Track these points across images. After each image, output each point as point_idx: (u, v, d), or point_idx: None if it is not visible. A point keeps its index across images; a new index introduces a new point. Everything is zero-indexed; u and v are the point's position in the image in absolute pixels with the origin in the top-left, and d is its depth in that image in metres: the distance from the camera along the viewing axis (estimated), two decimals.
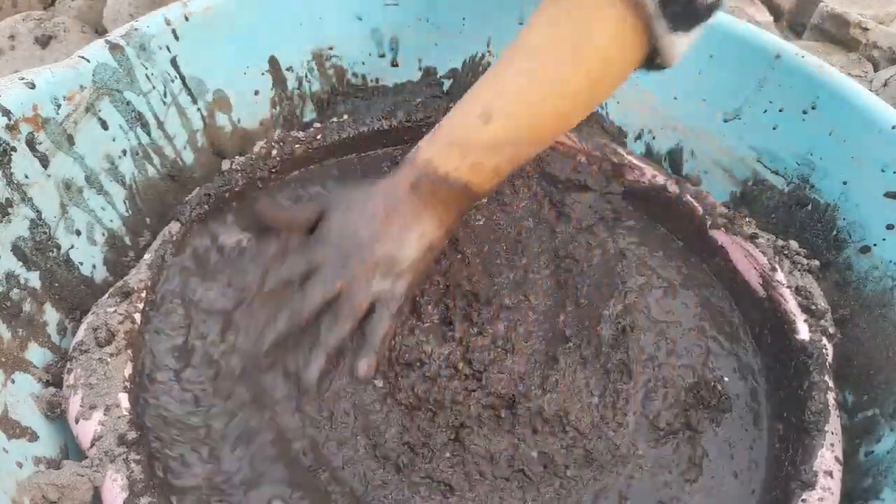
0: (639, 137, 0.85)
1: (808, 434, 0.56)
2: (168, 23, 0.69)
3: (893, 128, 0.63)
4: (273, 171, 0.75)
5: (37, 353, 0.58)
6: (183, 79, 0.72)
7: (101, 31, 1.12)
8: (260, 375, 0.60)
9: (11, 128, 0.56)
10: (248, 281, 0.64)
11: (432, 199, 0.60)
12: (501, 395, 0.60)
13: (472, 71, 0.88)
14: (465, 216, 0.71)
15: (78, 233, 0.63)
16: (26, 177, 0.57)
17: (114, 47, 0.65)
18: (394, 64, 0.86)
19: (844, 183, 0.67)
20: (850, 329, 0.64)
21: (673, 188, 0.75)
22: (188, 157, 0.75)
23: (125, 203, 0.68)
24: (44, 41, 1.05)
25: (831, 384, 0.59)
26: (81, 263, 0.63)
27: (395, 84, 0.87)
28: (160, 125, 0.71)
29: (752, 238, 0.68)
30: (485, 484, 0.56)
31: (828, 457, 0.55)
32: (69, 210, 0.62)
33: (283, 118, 0.83)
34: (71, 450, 0.56)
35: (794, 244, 0.68)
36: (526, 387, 0.60)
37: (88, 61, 0.63)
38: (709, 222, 0.72)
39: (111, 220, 0.67)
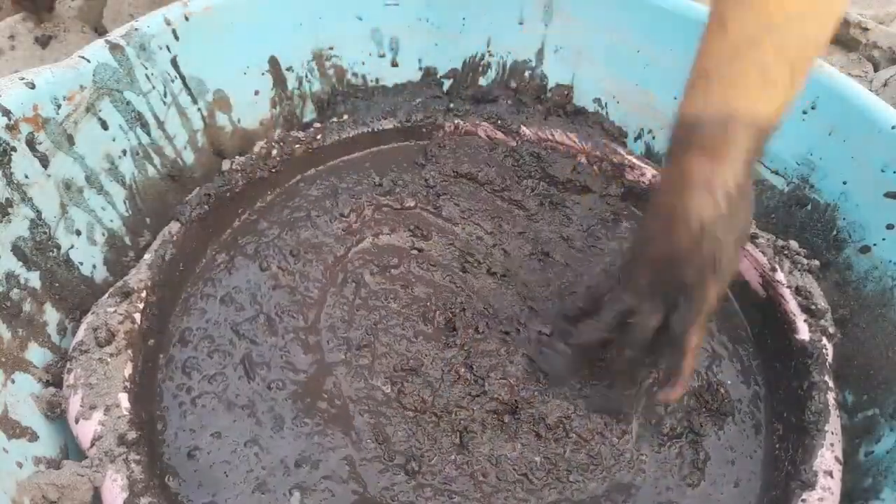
0: (639, 137, 0.85)
1: (808, 434, 0.56)
2: (168, 23, 0.69)
3: (893, 128, 0.63)
4: (273, 171, 0.75)
5: (37, 353, 0.57)
6: (183, 79, 0.72)
7: (101, 31, 1.12)
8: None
9: (11, 128, 0.56)
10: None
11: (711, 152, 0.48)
12: (504, 401, 0.60)
13: (472, 71, 0.88)
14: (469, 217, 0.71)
15: (78, 233, 0.63)
16: (26, 177, 0.57)
17: (114, 47, 0.65)
18: (394, 64, 0.86)
19: (844, 183, 0.67)
20: (850, 329, 0.64)
21: None
22: (188, 157, 0.75)
23: (125, 203, 0.68)
24: (44, 41, 1.05)
25: (831, 384, 0.59)
26: (81, 263, 0.63)
27: (395, 84, 0.87)
28: (160, 125, 0.71)
29: (752, 238, 0.68)
30: (489, 488, 0.56)
31: (828, 457, 0.55)
32: (69, 210, 0.62)
33: (283, 118, 0.83)
34: (71, 450, 0.55)
35: (794, 244, 0.68)
36: (528, 392, 0.60)
37: (88, 61, 0.63)
38: None
39: (111, 220, 0.67)
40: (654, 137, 0.83)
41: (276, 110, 0.82)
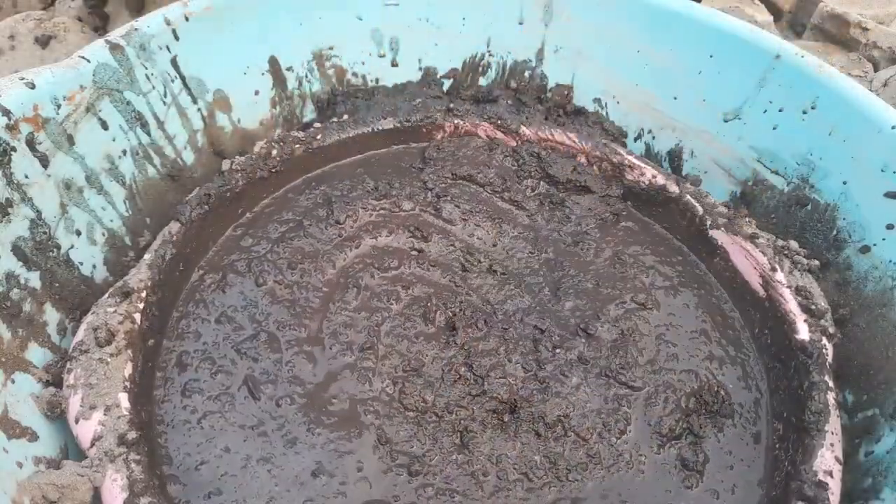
0: (639, 137, 0.85)
1: (808, 434, 0.56)
2: (168, 23, 0.69)
3: (893, 128, 0.63)
4: (273, 171, 0.75)
5: (37, 353, 0.58)
6: (183, 79, 0.72)
7: (101, 31, 1.12)
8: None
9: (11, 128, 0.56)
10: None
11: None
12: (503, 401, 0.60)
13: (472, 71, 0.88)
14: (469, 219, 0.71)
15: (78, 233, 0.63)
16: (26, 177, 0.57)
17: (114, 47, 0.65)
18: (394, 64, 0.86)
19: (844, 183, 0.67)
20: (850, 329, 0.64)
21: (673, 188, 0.75)
22: (188, 157, 0.75)
23: (125, 203, 0.68)
24: (44, 41, 1.05)
25: (831, 384, 0.59)
26: (81, 263, 0.63)
27: (395, 84, 0.87)
28: (160, 125, 0.71)
29: (752, 238, 0.68)
30: (490, 487, 0.56)
31: (828, 457, 0.55)
32: (69, 210, 0.62)
33: (283, 118, 0.84)
34: (71, 450, 0.55)
35: (794, 244, 0.68)
36: (528, 392, 0.61)
37: (88, 61, 0.63)
38: (709, 222, 0.72)
39: (111, 220, 0.67)
40: (654, 137, 0.83)
41: (276, 110, 0.82)
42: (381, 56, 0.85)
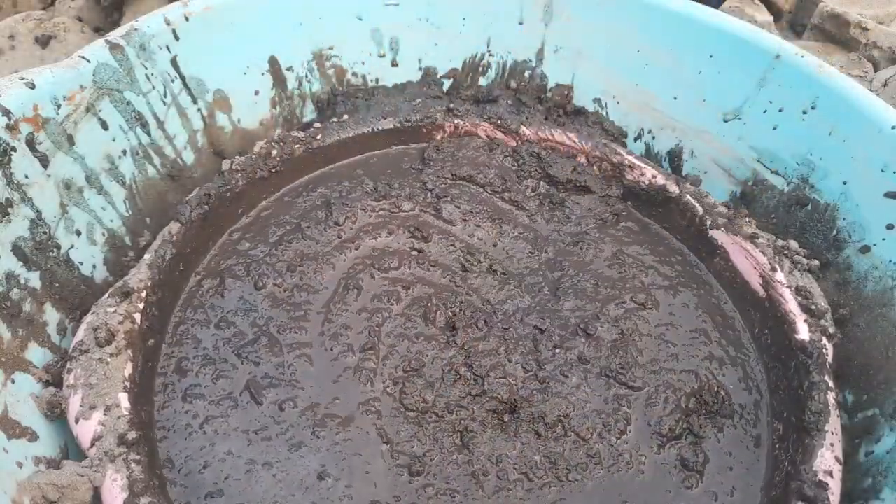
0: (639, 137, 0.85)
1: (808, 434, 0.56)
2: (168, 23, 0.69)
3: (893, 128, 0.63)
4: (273, 171, 0.75)
5: (37, 353, 0.57)
6: (183, 79, 0.72)
7: (101, 32, 1.12)
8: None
9: (11, 128, 0.56)
10: None
11: None
12: (503, 401, 0.60)
13: (472, 71, 0.88)
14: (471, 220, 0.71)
15: (78, 233, 0.63)
16: (26, 177, 0.57)
17: (114, 47, 0.65)
18: (394, 64, 0.86)
19: (844, 183, 0.67)
20: (850, 329, 0.64)
21: (673, 188, 0.75)
22: (188, 157, 0.75)
23: (125, 203, 0.68)
24: (44, 41, 1.05)
25: (831, 384, 0.59)
26: (81, 263, 0.63)
27: (395, 84, 0.87)
28: (160, 125, 0.71)
29: (752, 238, 0.68)
30: (490, 487, 0.56)
31: (828, 457, 0.55)
32: (69, 210, 0.62)
33: (283, 118, 0.84)
34: (71, 450, 0.55)
35: (793, 244, 0.68)
36: (528, 392, 0.61)
37: (89, 61, 0.63)
38: (709, 222, 0.72)
39: (111, 220, 0.67)
40: (654, 137, 0.83)
41: (276, 110, 0.82)
42: (381, 56, 0.85)
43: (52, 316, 0.60)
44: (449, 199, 0.76)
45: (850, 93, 0.66)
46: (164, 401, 0.59)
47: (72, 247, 0.63)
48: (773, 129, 0.73)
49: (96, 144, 0.64)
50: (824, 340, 0.61)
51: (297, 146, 0.77)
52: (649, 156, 0.84)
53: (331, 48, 0.83)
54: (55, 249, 0.60)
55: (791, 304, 0.63)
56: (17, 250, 0.57)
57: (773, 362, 0.64)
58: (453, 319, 0.65)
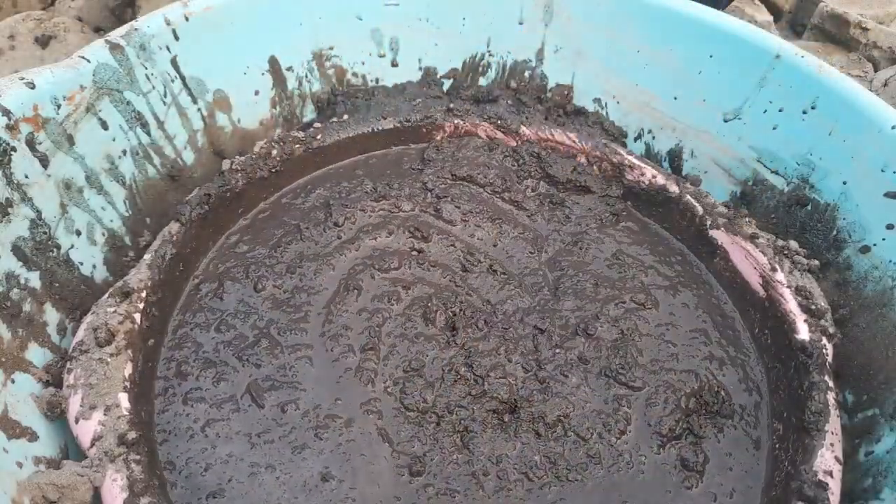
0: (639, 137, 0.85)
1: (808, 434, 0.56)
2: (168, 23, 0.69)
3: (893, 128, 0.63)
4: (273, 171, 0.75)
5: (37, 353, 0.57)
6: (183, 79, 0.72)
7: (100, 31, 1.12)
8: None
9: (11, 128, 0.56)
10: None
11: None
12: (504, 401, 0.60)
13: (472, 71, 0.88)
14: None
15: (78, 233, 0.63)
16: (26, 177, 0.57)
17: (114, 47, 0.65)
18: (394, 64, 0.86)
19: (844, 183, 0.67)
20: (850, 329, 0.64)
21: (673, 188, 0.75)
22: (188, 157, 0.75)
23: (125, 203, 0.68)
24: (44, 41, 1.05)
25: (831, 384, 0.59)
26: (81, 263, 0.63)
27: (395, 84, 0.87)
28: (160, 125, 0.71)
29: (752, 238, 0.68)
30: (490, 487, 0.56)
31: (828, 457, 0.55)
32: (69, 210, 0.62)
33: (283, 118, 0.84)
34: (71, 450, 0.55)
35: (794, 244, 0.68)
36: (528, 392, 0.61)
37: (89, 61, 0.63)
38: (709, 222, 0.72)
39: (111, 220, 0.67)
40: (654, 137, 0.83)
41: (276, 110, 0.82)
42: (381, 56, 0.85)
43: (52, 316, 0.60)
44: (449, 199, 0.76)
45: (850, 93, 0.66)
46: (164, 404, 0.59)
47: (72, 247, 0.63)
48: (774, 129, 0.73)
49: (96, 144, 0.64)
50: (824, 340, 0.61)
51: (297, 146, 0.77)
52: (649, 156, 0.84)
53: (331, 48, 0.83)
54: (55, 249, 0.60)
55: (791, 304, 0.63)
56: (17, 250, 0.57)
57: (773, 362, 0.64)
58: (453, 319, 0.65)
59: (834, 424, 0.57)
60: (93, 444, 0.51)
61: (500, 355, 0.63)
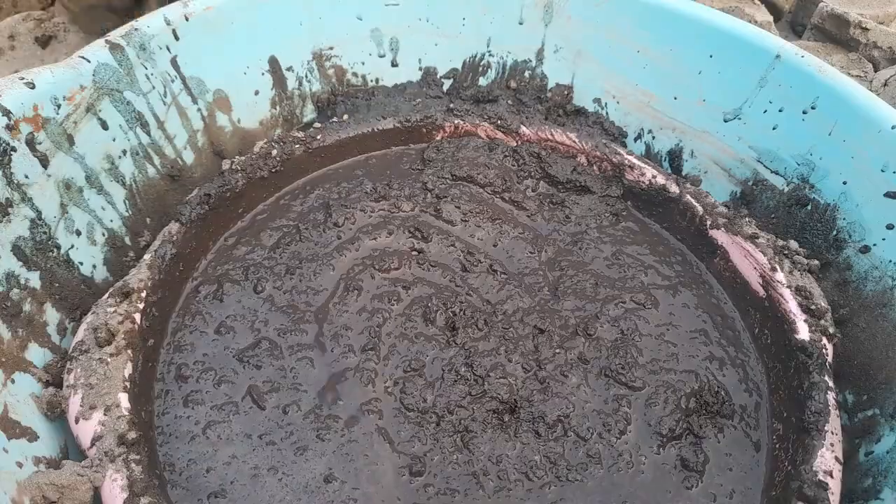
0: (639, 137, 0.85)
1: (808, 434, 0.56)
2: (168, 23, 0.69)
3: (893, 128, 0.63)
4: (273, 171, 0.75)
5: (37, 353, 0.57)
6: (183, 79, 0.72)
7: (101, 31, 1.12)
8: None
9: (11, 128, 0.56)
10: None
11: None
12: (504, 401, 0.60)
13: (472, 71, 0.88)
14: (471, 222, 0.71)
15: (78, 233, 0.63)
16: (26, 177, 0.57)
17: (114, 47, 0.65)
18: (394, 64, 0.86)
19: (844, 183, 0.67)
20: (850, 329, 0.64)
21: (673, 188, 0.75)
22: (188, 157, 0.75)
23: (125, 203, 0.68)
24: (44, 41, 1.05)
25: (831, 384, 0.59)
26: (81, 263, 0.63)
27: (395, 84, 0.87)
28: (160, 125, 0.71)
29: (752, 238, 0.68)
30: (490, 486, 0.56)
31: (828, 457, 0.55)
32: (69, 210, 0.62)
33: (283, 118, 0.84)
34: (71, 450, 0.55)
35: (793, 244, 0.68)
36: (528, 392, 0.61)
37: (89, 61, 0.63)
38: (709, 222, 0.72)
39: (111, 220, 0.67)
40: (654, 137, 0.83)
41: (276, 110, 0.82)
42: (381, 56, 0.85)
43: (52, 316, 0.60)
44: (449, 199, 0.76)
45: (850, 93, 0.66)
46: (164, 406, 0.59)
47: (72, 247, 0.62)
48: (774, 129, 0.73)
49: (96, 144, 0.64)
50: (824, 340, 0.61)
51: (297, 146, 0.77)
52: (649, 156, 0.84)
53: (331, 48, 0.83)
54: (55, 249, 0.60)
55: (791, 304, 0.63)
56: (17, 250, 0.57)
57: (773, 362, 0.64)
58: (453, 319, 0.65)
59: (834, 424, 0.57)
60: (93, 444, 0.51)
61: (500, 355, 0.63)
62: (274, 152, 0.75)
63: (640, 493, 0.57)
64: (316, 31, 0.81)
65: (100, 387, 0.54)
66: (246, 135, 0.80)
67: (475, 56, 0.87)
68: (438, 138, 0.83)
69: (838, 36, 1.19)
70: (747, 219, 0.71)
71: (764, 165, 0.75)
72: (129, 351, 0.57)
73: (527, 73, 0.87)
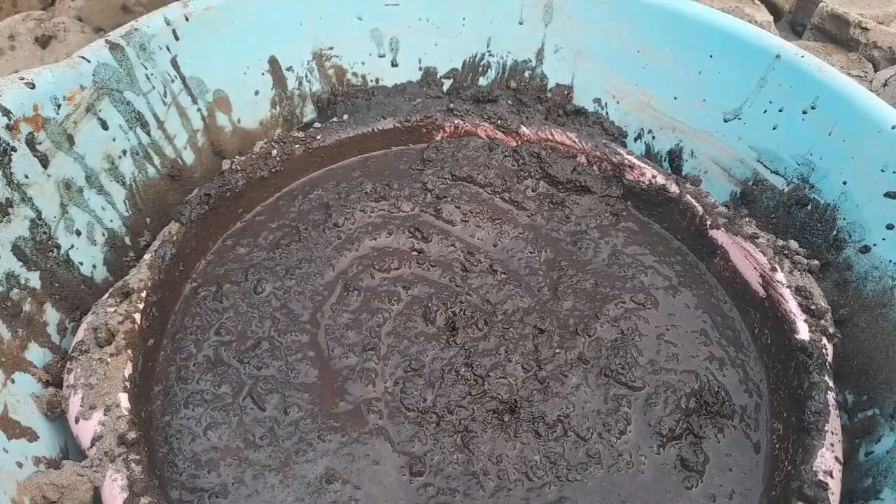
0: (639, 137, 0.85)
1: (809, 434, 0.56)
2: (168, 23, 0.69)
3: (893, 128, 0.63)
4: (273, 171, 0.75)
5: (37, 353, 0.57)
6: (183, 79, 0.72)
7: (101, 31, 1.12)
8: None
9: (11, 128, 0.56)
10: None
11: None
12: (504, 401, 0.60)
13: (472, 71, 0.88)
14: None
15: (78, 233, 0.63)
16: (26, 177, 0.57)
17: (114, 47, 0.65)
18: (394, 64, 0.86)
19: (844, 183, 0.67)
20: (850, 329, 0.64)
21: (673, 188, 0.75)
22: (188, 156, 0.75)
23: (125, 203, 0.68)
24: (44, 41, 1.05)
25: (831, 384, 0.59)
26: (81, 263, 0.63)
27: (395, 84, 0.87)
28: (160, 125, 0.71)
29: (753, 238, 0.68)
30: (490, 486, 0.56)
31: (828, 457, 0.55)
32: (69, 210, 0.62)
33: (283, 118, 0.84)
34: (71, 450, 0.55)
35: (794, 244, 0.68)
36: (528, 392, 0.61)
37: (89, 61, 0.63)
38: (709, 222, 0.72)
39: (111, 220, 0.67)
40: (654, 137, 0.83)
41: (275, 110, 0.82)
42: (381, 56, 0.85)
43: (52, 316, 0.60)
44: (449, 199, 0.76)
45: (850, 93, 0.66)
46: (165, 407, 0.59)
47: (72, 247, 0.62)
48: (774, 129, 0.73)
49: (96, 144, 0.64)
50: (824, 340, 0.61)
51: (297, 146, 0.77)
52: (649, 156, 0.84)
53: (331, 48, 0.83)
54: (55, 249, 0.60)
55: (791, 304, 0.63)
56: (17, 250, 0.57)
57: (773, 362, 0.64)
58: (453, 319, 0.65)
59: (834, 424, 0.57)
60: (93, 444, 0.51)
61: (500, 355, 0.63)
62: (274, 152, 0.75)
63: (640, 493, 0.57)
64: (316, 31, 0.81)
65: (100, 387, 0.54)
66: (246, 135, 0.80)
67: (475, 56, 0.87)
68: (438, 138, 0.83)
69: (838, 36, 1.19)
70: (747, 219, 0.71)
71: (764, 165, 0.75)
72: (129, 351, 0.57)
73: (527, 73, 0.87)
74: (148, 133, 0.70)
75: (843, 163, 0.67)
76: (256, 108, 0.81)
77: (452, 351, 0.63)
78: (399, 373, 0.62)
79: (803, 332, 0.61)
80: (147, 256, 0.64)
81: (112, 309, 0.59)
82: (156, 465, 0.54)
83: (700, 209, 0.72)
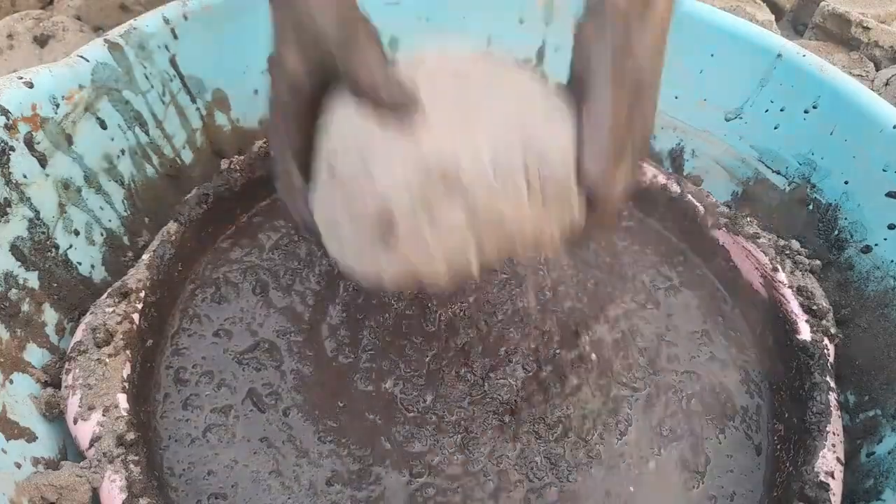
0: None
1: (810, 435, 0.56)
2: (167, 22, 0.69)
3: (895, 127, 0.63)
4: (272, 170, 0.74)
5: (35, 354, 0.57)
6: (182, 78, 0.72)
7: (99, 30, 1.11)
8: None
9: (10, 127, 0.55)
10: None
11: None
12: (504, 401, 0.60)
13: None
14: None
15: (76, 233, 0.63)
16: (25, 176, 0.57)
17: (113, 46, 0.65)
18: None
19: (846, 182, 0.67)
20: (852, 329, 0.64)
21: (674, 188, 0.75)
22: (187, 156, 0.75)
23: (124, 203, 0.68)
24: (42, 40, 1.05)
25: (833, 384, 0.59)
26: (80, 263, 0.63)
27: None
28: (159, 125, 0.71)
29: (754, 238, 0.68)
30: (490, 487, 0.56)
31: (829, 458, 0.55)
32: (68, 210, 0.62)
33: None
34: (69, 450, 0.55)
35: (795, 244, 0.68)
36: (528, 392, 0.60)
37: (87, 60, 0.63)
38: (710, 222, 0.71)
39: (110, 220, 0.67)
40: (654, 137, 0.83)
41: None
42: None
43: (50, 316, 0.60)
44: None
45: (851, 92, 0.66)
46: (164, 410, 0.59)
47: (70, 247, 0.62)
48: (775, 128, 0.73)
49: (95, 144, 0.64)
50: (826, 341, 0.61)
51: None
52: (650, 155, 0.84)
53: None
54: (53, 249, 0.60)
55: (792, 305, 0.63)
56: (15, 250, 0.57)
57: (774, 363, 0.64)
58: (453, 319, 0.65)
59: (835, 425, 0.57)
60: (91, 445, 0.51)
61: (500, 356, 0.63)
62: None
63: (641, 494, 0.56)
64: None
65: (98, 387, 0.54)
66: (245, 134, 0.80)
67: None
68: None
69: (840, 35, 1.18)
70: (749, 219, 0.71)
71: (765, 165, 0.75)
72: (128, 351, 0.56)
73: None
74: (146, 132, 0.69)
75: (844, 162, 0.67)
76: (256, 108, 0.80)
77: (452, 351, 0.63)
78: (399, 373, 0.61)
79: (805, 333, 0.61)
80: (145, 256, 0.64)
81: (110, 309, 0.58)
82: (154, 467, 0.54)
83: (701, 209, 0.72)
